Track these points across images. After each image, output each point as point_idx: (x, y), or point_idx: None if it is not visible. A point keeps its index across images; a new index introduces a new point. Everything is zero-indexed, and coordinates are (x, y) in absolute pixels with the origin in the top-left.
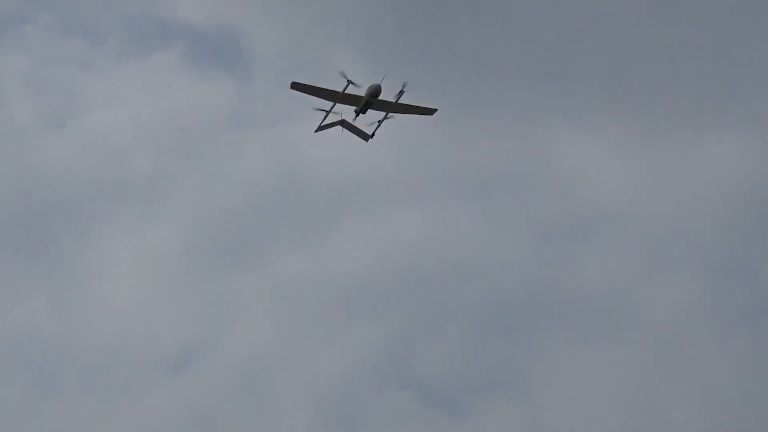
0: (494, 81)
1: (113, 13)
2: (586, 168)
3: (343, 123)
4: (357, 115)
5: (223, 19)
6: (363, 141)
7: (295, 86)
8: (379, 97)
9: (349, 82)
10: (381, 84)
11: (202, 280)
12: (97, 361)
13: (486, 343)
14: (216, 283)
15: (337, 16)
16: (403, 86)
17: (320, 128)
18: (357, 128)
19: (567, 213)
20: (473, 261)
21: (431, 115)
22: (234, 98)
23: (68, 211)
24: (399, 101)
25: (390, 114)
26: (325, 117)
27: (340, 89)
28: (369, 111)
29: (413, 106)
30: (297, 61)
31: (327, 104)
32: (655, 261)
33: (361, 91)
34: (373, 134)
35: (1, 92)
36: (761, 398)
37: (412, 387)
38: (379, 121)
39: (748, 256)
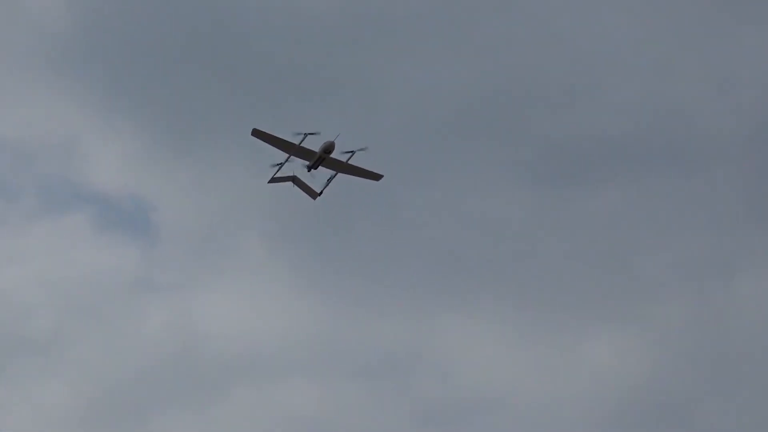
0: (388, 266)
1: (29, 174)
2: (470, 355)
3: (294, 179)
4: (309, 170)
5: (133, 188)
6: (311, 199)
7: (256, 133)
8: (332, 155)
9: (306, 134)
10: (335, 141)
11: None
12: None
13: None
14: None
15: (245, 201)
16: (359, 149)
17: (273, 180)
18: (307, 186)
19: (448, 397)
20: None
21: (377, 180)
22: (139, 265)
23: None
24: (349, 161)
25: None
26: (279, 169)
27: (296, 142)
28: (321, 168)
29: (362, 168)
30: (202, 233)
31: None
32: None
33: (316, 146)
34: (321, 192)
35: None
36: None
37: None
38: (328, 180)
39: None
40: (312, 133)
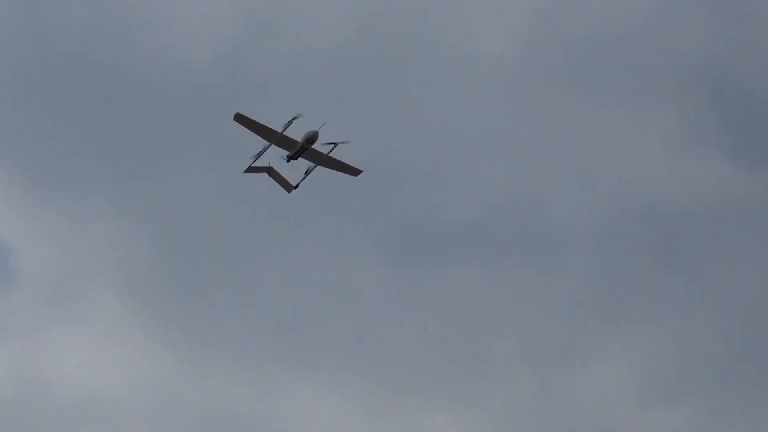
0: (240, 326)
1: None
2: (310, 423)
3: (270, 171)
4: (288, 160)
5: None
6: (285, 192)
7: (239, 118)
8: (314, 146)
9: (290, 121)
10: (319, 131)
11: None
12: None
13: None
14: None
15: (105, 251)
16: (341, 141)
17: (249, 169)
18: (283, 178)
19: None
20: None
21: (356, 176)
22: None
23: None
24: (330, 154)
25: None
26: (257, 157)
27: (279, 129)
28: (300, 159)
29: (341, 162)
30: (59, 281)
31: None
32: None
33: (298, 135)
34: (297, 185)
35: None
36: None
37: None
38: (305, 173)
39: None
40: (296, 117)
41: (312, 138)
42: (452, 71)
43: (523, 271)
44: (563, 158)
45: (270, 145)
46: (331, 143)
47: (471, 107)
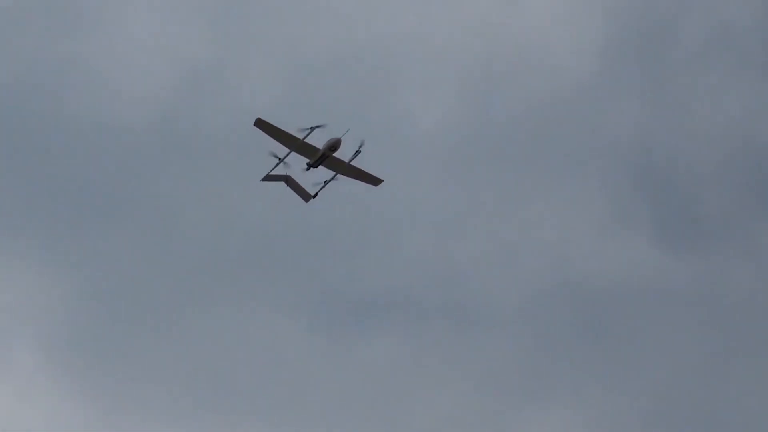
0: (158, 386)
1: None
2: None
3: (287, 180)
4: (308, 168)
5: None
6: (303, 201)
7: (259, 123)
8: (335, 154)
9: (312, 128)
10: (342, 138)
11: None
12: None
13: None
14: None
15: (26, 304)
16: (360, 146)
17: (267, 177)
18: (301, 187)
19: None
20: None
21: (377, 185)
22: None
23: None
24: (352, 162)
25: (336, 177)
26: (276, 165)
27: (300, 136)
28: (320, 168)
29: (362, 171)
30: None
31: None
32: None
33: (320, 143)
34: (316, 195)
35: None
36: None
37: None
38: (325, 182)
39: None
40: (318, 126)
41: (335, 145)
42: (383, 144)
43: (446, 342)
44: (490, 233)
45: (289, 153)
46: (356, 152)
47: (401, 179)
